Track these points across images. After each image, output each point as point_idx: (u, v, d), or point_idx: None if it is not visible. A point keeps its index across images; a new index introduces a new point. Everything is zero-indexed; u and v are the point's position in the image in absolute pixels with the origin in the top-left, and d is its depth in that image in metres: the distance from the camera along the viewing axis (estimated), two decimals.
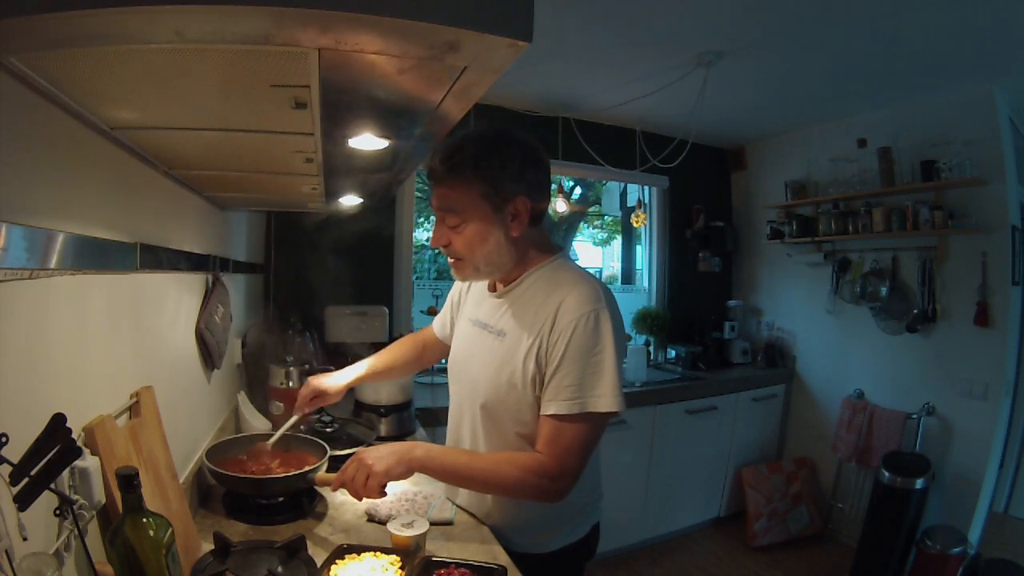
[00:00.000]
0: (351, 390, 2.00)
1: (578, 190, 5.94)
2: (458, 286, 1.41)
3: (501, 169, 1.05)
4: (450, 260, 1.15)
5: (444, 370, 1.50)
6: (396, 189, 2.29)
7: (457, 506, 1.29)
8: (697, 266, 3.79)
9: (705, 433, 3.14)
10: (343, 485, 1.06)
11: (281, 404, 1.80)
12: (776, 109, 3.11)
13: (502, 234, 1.08)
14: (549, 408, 1.03)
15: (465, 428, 1.21)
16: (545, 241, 1.17)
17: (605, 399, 1.01)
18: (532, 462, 1.03)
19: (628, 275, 4.58)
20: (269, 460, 1.33)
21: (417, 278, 3.18)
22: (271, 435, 1.42)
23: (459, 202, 1.07)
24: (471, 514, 1.26)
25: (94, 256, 0.76)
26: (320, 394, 1.40)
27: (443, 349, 1.52)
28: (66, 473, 0.66)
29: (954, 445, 2.71)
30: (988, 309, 2.61)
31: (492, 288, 1.21)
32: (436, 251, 1.23)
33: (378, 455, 1.05)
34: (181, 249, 1.21)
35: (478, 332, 1.21)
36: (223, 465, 1.24)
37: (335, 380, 1.43)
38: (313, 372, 1.87)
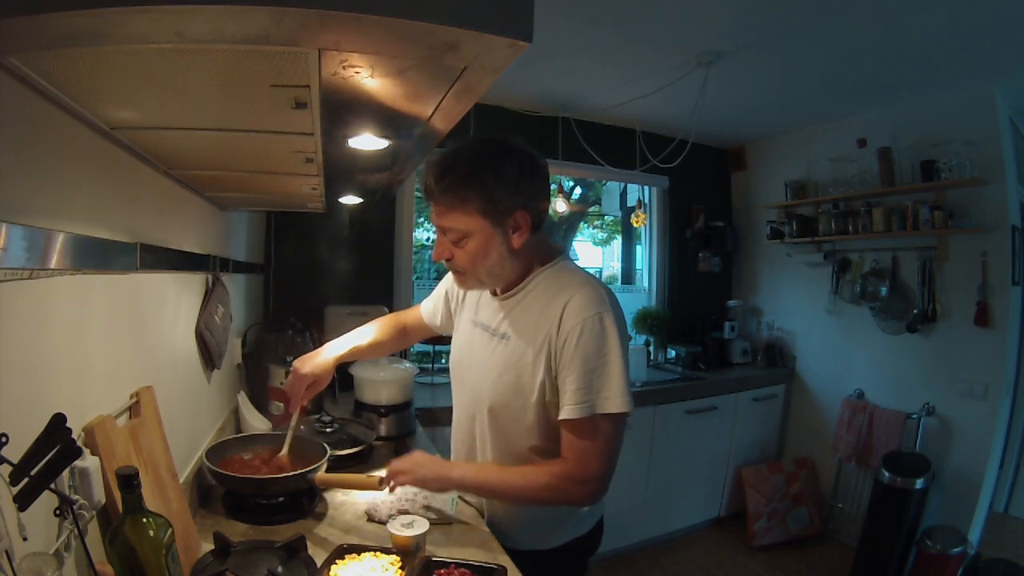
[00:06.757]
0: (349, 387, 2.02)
1: (578, 190, 5.92)
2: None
3: (497, 185, 1.02)
4: (453, 272, 1.14)
5: (445, 370, 1.50)
6: (396, 189, 2.29)
7: (464, 500, 1.30)
8: (697, 266, 3.80)
9: (705, 433, 3.14)
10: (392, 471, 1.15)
11: (281, 404, 1.81)
12: (776, 109, 3.11)
13: (504, 247, 1.07)
14: (563, 413, 1.04)
15: (474, 430, 1.21)
16: (546, 245, 1.16)
17: (612, 400, 1.01)
18: (557, 468, 1.05)
19: (628, 275, 4.57)
20: (276, 464, 1.32)
21: (417, 278, 3.17)
22: (275, 435, 1.42)
23: (458, 220, 1.05)
24: (477, 510, 1.27)
25: (94, 256, 0.76)
26: (315, 382, 1.33)
27: (428, 332, 1.51)
28: (66, 473, 0.66)
29: (954, 445, 2.71)
30: (988, 309, 2.61)
31: (494, 292, 1.20)
32: None
33: (420, 463, 1.14)
34: (181, 249, 1.21)
35: (480, 334, 1.20)
36: (223, 465, 1.25)
37: (323, 364, 1.35)
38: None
